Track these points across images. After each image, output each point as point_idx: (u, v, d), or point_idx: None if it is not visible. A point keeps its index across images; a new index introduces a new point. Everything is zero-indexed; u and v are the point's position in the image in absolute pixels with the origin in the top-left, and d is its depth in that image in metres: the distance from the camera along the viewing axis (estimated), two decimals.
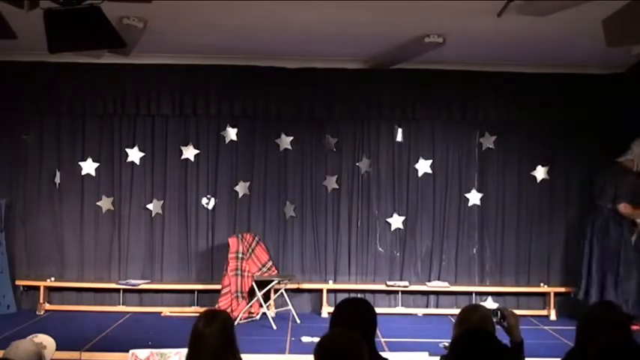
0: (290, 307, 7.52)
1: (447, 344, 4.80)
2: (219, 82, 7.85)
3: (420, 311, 7.97)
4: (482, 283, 8.12)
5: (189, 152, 8.03)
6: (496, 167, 8.17)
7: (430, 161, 8.11)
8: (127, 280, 7.89)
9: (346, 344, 2.80)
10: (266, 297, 7.40)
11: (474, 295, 7.96)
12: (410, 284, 7.93)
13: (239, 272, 7.31)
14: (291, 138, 8.06)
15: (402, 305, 7.98)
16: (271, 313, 7.44)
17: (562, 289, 7.89)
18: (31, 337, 3.94)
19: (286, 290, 7.64)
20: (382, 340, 6.27)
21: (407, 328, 7.13)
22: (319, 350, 2.83)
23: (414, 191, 8.13)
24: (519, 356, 3.63)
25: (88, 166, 8.00)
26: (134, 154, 8.01)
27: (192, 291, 7.93)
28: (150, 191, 8.05)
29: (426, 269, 8.11)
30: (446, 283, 7.99)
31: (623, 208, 7.41)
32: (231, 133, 8.03)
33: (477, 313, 3.58)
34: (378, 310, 3.63)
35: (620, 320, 3.38)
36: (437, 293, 8.04)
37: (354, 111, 7.98)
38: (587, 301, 7.32)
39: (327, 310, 7.68)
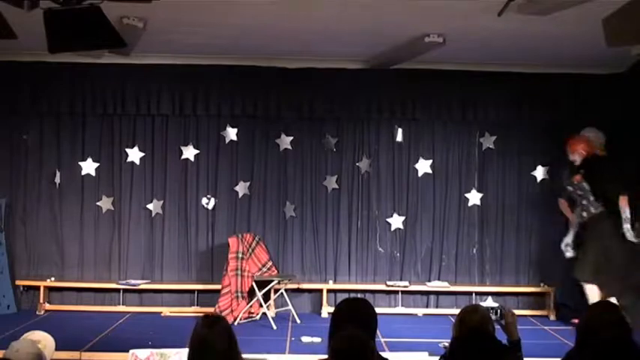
0: (290, 307, 7.52)
1: (446, 344, 4.79)
2: (219, 82, 7.85)
3: (420, 311, 7.96)
4: (482, 283, 8.12)
5: (189, 152, 8.03)
6: (496, 167, 8.17)
7: (430, 161, 8.11)
8: (127, 280, 7.89)
9: (358, 345, 2.82)
10: (266, 297, 7.41)
11: (474, 295, 7.95)
12: (410, 284, 7.93)
13: (239, 272, 7.31)
14: (291, 138, 8.05)
15: (402, 305, 7.98)
16: (271, 313, 7.44)
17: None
18: (27, 334, 3.88)
19: (286, 290, 7.65)
20: (382, 340, 6.26)
21: (407, 328, 7.12)
22: (334, 349, 2.85)
23: (414, 191, 8.13)
24: (517, 354, 3.64)
25: (88, 166, 8.00)
26: (134, 154, 8.01)
27: (192, 291, 7.93)
28: (150, 191, 8.05)
29: (426, 269, 8.11)
30: (446, 283, 7.99)
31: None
32: (231, 133, 8.03)
33: (476, 314, 3.58)
34: (378, 310, 3.62)
35: (620, 320, 3.38)
36: (437, 293, 8.04)
37: (354, 111, 7.98)
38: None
39: (327, 310, 7.68)
